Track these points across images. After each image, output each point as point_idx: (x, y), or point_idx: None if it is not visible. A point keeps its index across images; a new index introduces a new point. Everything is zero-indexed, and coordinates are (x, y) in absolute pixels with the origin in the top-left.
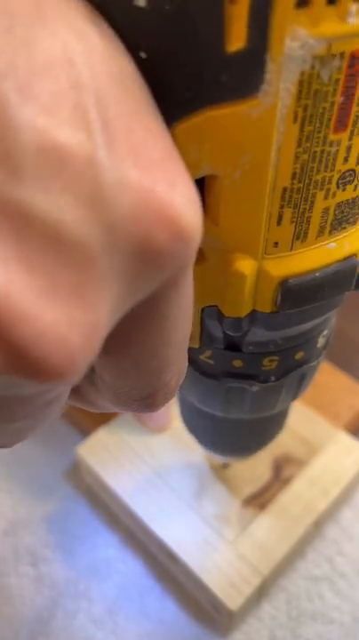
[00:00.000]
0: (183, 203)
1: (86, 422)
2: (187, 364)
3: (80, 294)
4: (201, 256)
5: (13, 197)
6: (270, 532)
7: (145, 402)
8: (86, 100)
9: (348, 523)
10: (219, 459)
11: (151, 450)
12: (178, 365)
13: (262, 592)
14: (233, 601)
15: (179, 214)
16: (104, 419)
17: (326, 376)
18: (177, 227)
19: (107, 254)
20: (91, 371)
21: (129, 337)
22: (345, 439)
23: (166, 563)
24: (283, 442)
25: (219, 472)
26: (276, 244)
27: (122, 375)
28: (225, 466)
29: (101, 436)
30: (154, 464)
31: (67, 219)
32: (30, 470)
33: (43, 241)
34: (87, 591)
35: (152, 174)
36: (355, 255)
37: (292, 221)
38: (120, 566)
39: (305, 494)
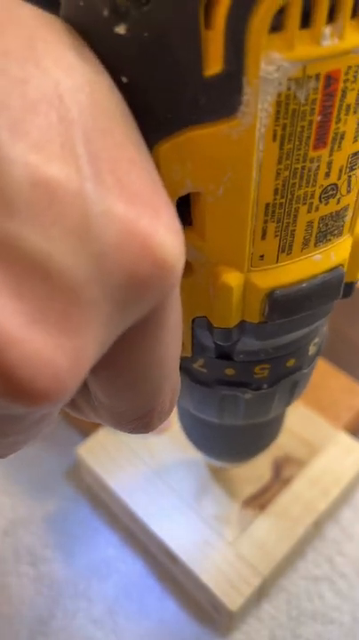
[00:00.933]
0: (165, 233)
1: (86, 423)
2: (179, 382)
3: (68, 322)
4: (189, 269)
5: (5, 230)
6: (270, 533)
7: (141, 422)
8: (74, 135)
9: (348, 523)
10: (218, 465)
11: (151, 450)
12: (171, 384)
13: (262, 592)
14: (233, 601)
15: (161, 245)
16: None
17: (326, 376)
18: (159, 257)
19: (94, 284)
20: (87, 389)
21: (121, 359)
22: (345, 439)
23: (166, 563)
24: (283, 442)
25: (219, 472)
26: (262, 256)
27: (117, 396)
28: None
29: (101, 437)
30: (154, 464)
31: (56, 250)
32: (30, 470)
33: (32, 270)
34: (87, 591)
35: (136, 206)
36: (342, 265)
37: (277, 235)
38: (120, 566)
39: (305, 494)
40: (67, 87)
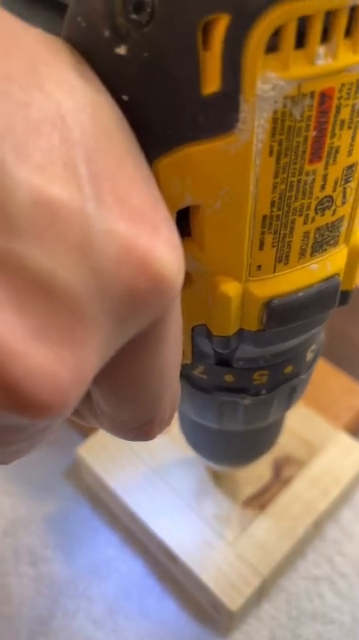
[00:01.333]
0: (164, 249)
1: None
2: (179, 391)
3: (70, 336)
4: (188, 279)
5: (9, 248)
6: (270, 533)
7: (141, 430)
8: (76, 155)
9: (348, 523)
10: (217, 469)
11: (151, 450)
12: (171, 393)
13: (262, 592)
14: (233, 601)
15: (160, 261)
16: None
17: (326, 376)
18: (158, 273)
19: (96, 299)
20: (89, 397)
21: (121, 371)
22: (345, 440)
23: (166, 563)
24: (283, 442)
25: (219, 473)
26: (259, 266)
27: (118, 406)
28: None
29: (101, 437)
30: (154, 464)
31: (59, 267)
32: (30, 470)
33: (35, 287)
34: (87, 591)
35: (136, 224)
36: (338, 274)
37: (274, 246)
38: (120, 566)
39: (305, 494)
40: (69, 108)
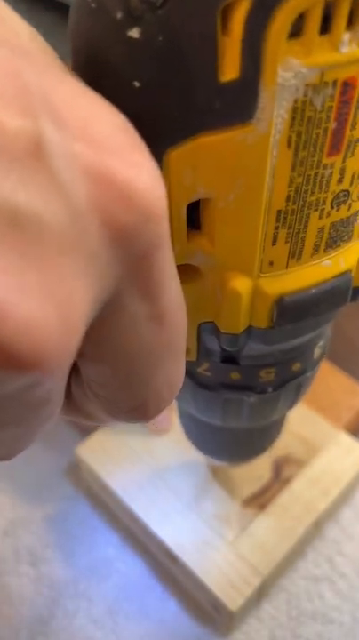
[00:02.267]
0: (140, 173)
1: None
2: (181, 374)
3: (48, 277)
4: (197, 274)
5: None
6: (270, 533)
7: (134, 412)
8: (33, 101)
9: (348, 523)
10: (218, 464)
11: (151, 450)
12: (165, 375)
13: (262, 592)
14: (233, 601)
15: (135, 185)
16: None
17: (326, 376)
18: (135, 198)
19: (72, 230)
20: (82, 382)
21: (103, 342)
22: (345, 439)
23: (166, 563)
24: (283, 442)
25: (219, 472)
26: (272, 262)
27: (104, 384)
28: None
29: (101, 436)
30: (154, 464)
31: (21, 200)
32: (30, 470)
33: (2, 225)
34: (87, 591)
35: (104, 149)
36: (350, 270)
37: (287, 241)
38: (120, 566)
39: (305, 494)
40: (25, 67)
